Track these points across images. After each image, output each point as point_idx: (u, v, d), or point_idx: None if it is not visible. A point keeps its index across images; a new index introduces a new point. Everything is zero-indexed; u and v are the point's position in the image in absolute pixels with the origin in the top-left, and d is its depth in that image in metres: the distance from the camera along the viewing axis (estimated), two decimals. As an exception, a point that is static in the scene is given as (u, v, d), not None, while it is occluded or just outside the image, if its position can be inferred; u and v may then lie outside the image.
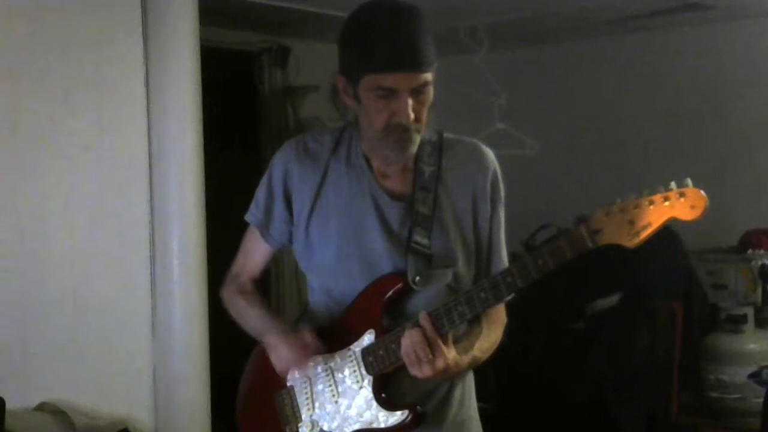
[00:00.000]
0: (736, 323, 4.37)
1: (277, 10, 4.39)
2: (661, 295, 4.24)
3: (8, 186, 3.11)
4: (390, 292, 1.81)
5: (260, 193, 1.97)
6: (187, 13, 3.43)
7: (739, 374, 4.31)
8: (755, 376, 4.29)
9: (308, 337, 1.85)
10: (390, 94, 1.72)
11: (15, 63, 3.12)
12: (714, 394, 4.37)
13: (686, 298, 4.35)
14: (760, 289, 4.40)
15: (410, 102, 1.73)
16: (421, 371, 1.72)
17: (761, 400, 3.80)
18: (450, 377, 1.81)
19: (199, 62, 3.46)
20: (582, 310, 4.31)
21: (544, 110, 5.43)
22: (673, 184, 1.56)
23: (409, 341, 1.72)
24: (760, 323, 4.41)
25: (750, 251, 4.48)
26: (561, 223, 4.50)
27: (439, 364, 1.71)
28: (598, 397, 4.13)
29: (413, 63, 1.71)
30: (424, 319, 1.72)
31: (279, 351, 1.87)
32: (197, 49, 3.46)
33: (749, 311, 4.39)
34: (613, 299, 4.24)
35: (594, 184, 5.16)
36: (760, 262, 4.41)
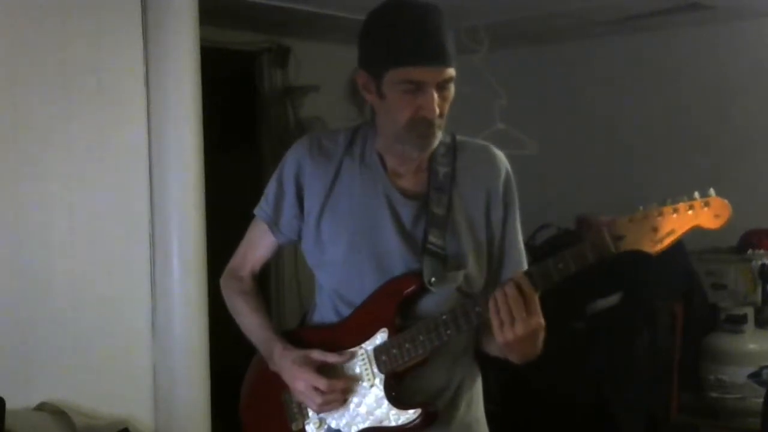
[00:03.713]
0: (736, 323, 4.37)
1: (277, 10, 4.38)
2: (661, 295, 4.24)
3: (8, 186, 3.11)
4: (406, 292, 1.82)
5: (271, 187, 1.97)
6: (187, 13, 3.43)
7: (739, 374, 4.31)
8: (755, 376, 4.29)
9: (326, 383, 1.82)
10: (417, 88, 1.73)
11: (15, 63, 3.12)
12: (714, 394, 4.37)
13: (686, 298, 4.35)
14: (760, 289, 4.40)
15: (436, 96, 1.74)
16: (513, 331, 1.66)
17: (761, 400, 3.80)
18: (535, 345, 1.75)
19: (199, 62, 3.46)
20: (582, 310, 4.30)
21: (544, 110, 5.43)
22: (696, 194, 1.58)
23: (503, 299, 1.66)
24: (760, 323, 4.41)
25: (750, 251, 4.48)
26: (561, 223, 4.51)
27: (534, 321, 1.67)
28: (598, 397, 4.13)
29: (440, 57, 1.73)
30: (519, 276, 1.68)
31: (291, 383, 1.86)
32: (197, 49, 3.46)
33: (749, 311, 4.39)
34: (613, 299, 4.23)
35: (594, 185, 5.17)
36: (760, 262, 4.41)
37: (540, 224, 4.59)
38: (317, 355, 1.84)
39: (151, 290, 3.44)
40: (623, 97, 5.30)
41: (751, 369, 4.30)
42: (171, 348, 3.44)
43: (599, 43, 5.33)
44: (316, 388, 1.81)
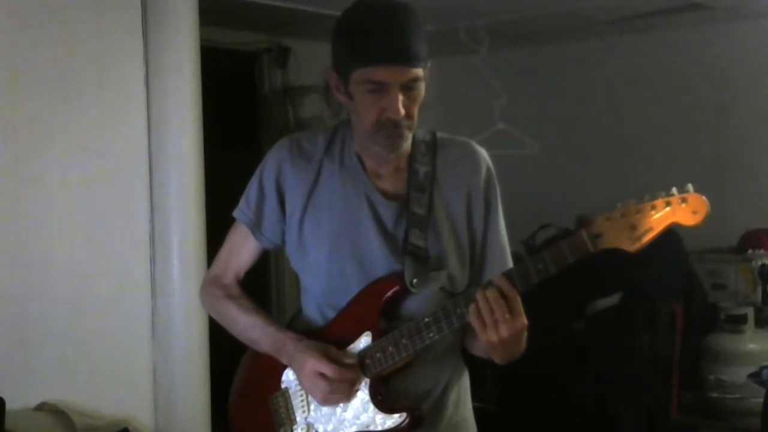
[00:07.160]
0: (736, 323, 4.37)
1: (277, 10, 4.39)
2: (661, 295, 4.24)
3: (8, 186, 3.11)
4: (387, 294, 1.80)
5: (251, 191, 1.94)
6: (187, 13, 3.43)
7: (739, 374, 4.31)
8: (755, 376, 4.29)
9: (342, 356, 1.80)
10: (380, 88, 1.71)
11: (15, 63, 3.12)
12: (714, 394, 4.37)
13: (686, 298, 4.35)
14: (760, 289, 4.40)
15: (401, 97, 1.72)
16: (497, 333, 1.65)
17: (761, 400, 3.80)
18: (519, 345, 1.73)
19: (199, 62, 3.46)
20: (582, 310, 4.30)
21: (544, 110, 5.43)
22: (674, 190, 1.56)
23: (484, 302, 1.65)
24: (760, 323, 4.41)
25: (750, 251, 4.48)
26: (561, 223, 4.51)
27: (519, 322, 1.66)
28: (598, 397, 4.13)
29: (404, 57, 1.70)
30: (499, 278, 1.67)
31: (308, 365, 1.81)
32: (197, 49, 3.46)
33: (749, 311, 4.39)
34: (613, 299, 4.23)
35: (594, 185, 5.16)
36: (760, 262, 4.41)
37: (540, 224, 4.59)
38: (333, 349, 1.81)
39: (151, 290, 3.44)
40: (623, 97, 5.30)
41: (751, 369, 4.30)
42: (171, 348, 3.44)
43: (599, 43, 5.33)
44: (323, 375, 1.78)
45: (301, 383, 1.86)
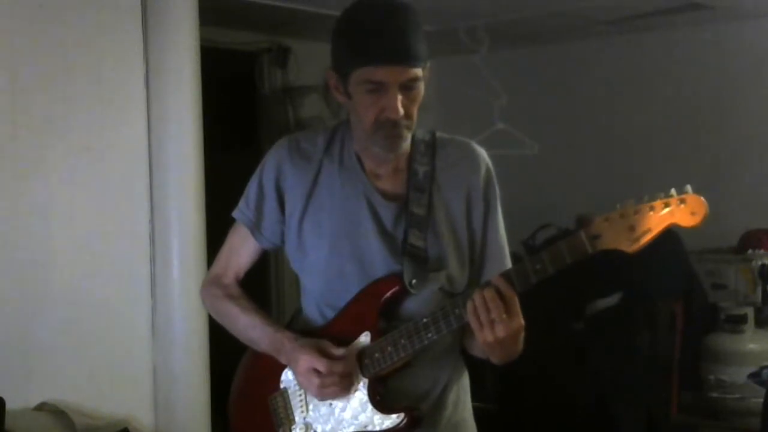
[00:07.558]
0: (736, 323, 4.37)
1: (277, 10, 4.39)
2: (661, 295, 4.24)
3: (8, 186, 3.11)
4: (386, 295, 1.80)
5: (251, 191, 1.94)
6: (187, 13, 3.43)
7: (739, 374, 4.31)
8: (755, 376, 4.29)
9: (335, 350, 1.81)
10: (379, 88, 1.71)
11: (15, 63, 3.12)
12: (714, 394, 4.37)
13: (686, 298, 4.36)
14: (760, 289, 4.40)
15: (399, 97, 1.72)
16: (494, 333, 1.65)
17: (761, 400, 3.80)
18: (516, 346, 1.74)
19: (199, 62, 3.46)
20: (582, 310, 4.30)
21: (544, 110, 5.43)
22: (673, 191, 1.56)
23: (481, 302, 1.65)
24: (760, 323, 4.42)
25: (750, 251, 4.48)
26: (561, 223, 4.51)
27: (515, 323, 1.66)
28: (598, 397, 4.13)
29: (403, 57, 1.71)
30: (497, 279, 1.67)
31: (307, 365, 1.81)
32: (197, 49, 3.46)
33: (749, 311, 4.39)
34: (613, 299, 4.24)
35: (594, 185, 5.16)
36: (760, 262, 4.41)
37: (540, 224, 4.60)
38: (326, 344, 1.82)
39: (151, 290, 3.44)
40: (623, 97, 5.30)
41: (751, 369, 4.31)
42: (171, 348, 3.44)
43: (599, 43, 5.33)
44: (316, 370, 1.79)
45: (297, 381, 1.86)
